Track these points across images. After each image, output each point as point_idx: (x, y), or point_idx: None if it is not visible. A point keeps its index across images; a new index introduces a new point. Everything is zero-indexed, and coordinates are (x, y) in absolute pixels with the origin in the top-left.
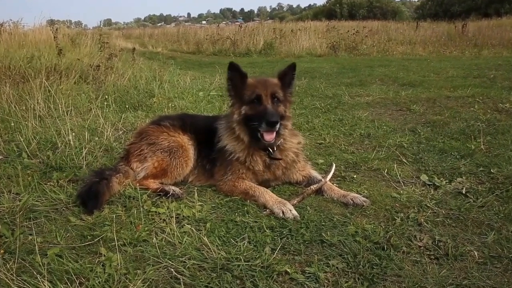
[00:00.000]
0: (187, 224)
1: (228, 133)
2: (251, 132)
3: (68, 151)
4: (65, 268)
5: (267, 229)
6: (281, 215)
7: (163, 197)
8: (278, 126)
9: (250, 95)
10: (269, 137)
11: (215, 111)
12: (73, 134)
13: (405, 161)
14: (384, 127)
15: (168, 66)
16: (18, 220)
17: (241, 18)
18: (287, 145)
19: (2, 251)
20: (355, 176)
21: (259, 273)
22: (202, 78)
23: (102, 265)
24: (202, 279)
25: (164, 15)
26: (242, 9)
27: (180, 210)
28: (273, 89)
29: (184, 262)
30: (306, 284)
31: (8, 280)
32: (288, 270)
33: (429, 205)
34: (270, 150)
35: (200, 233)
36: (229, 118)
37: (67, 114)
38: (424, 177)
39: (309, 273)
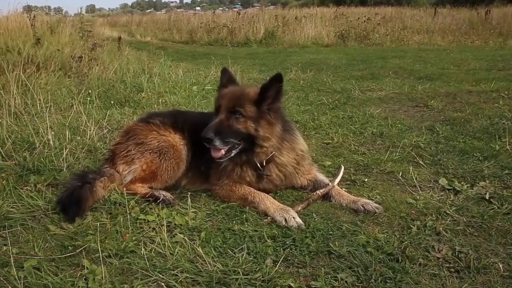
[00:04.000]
0: (180, 233)
1: None
2: None
3: (47, 152)
4: (43, 282)
5: (268, 238)
6: (283, 223)
7: (153, 203)
8: (215, 143)
9: (214, 106)
10: (213, 153)
11: (211, 108)
12: (53, 133)
13: (422, 163)
14: (399, 125)
15: (158, 57)
16: None
17: (239, 3)
18: (283, 158)
19: None
20: (366, 180)
21: None
22: (196, 71)
23: (85, 279)
24: None
25: (154, 0)
26: None
27: (172, 217)
28: (236, 102)
29: (176, 275)
30: None
31: None
32: (292, 284)
33: (448, 212)
34: (258, 165)
35: (194, 243)
36: None
37: (46, 110)
38: (443, 181)
39: (315, 287)
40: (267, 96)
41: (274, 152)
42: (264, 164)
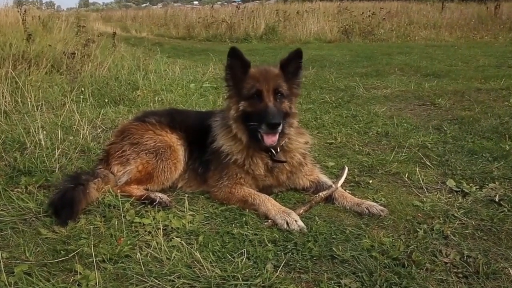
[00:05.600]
0: (176, 237)
1: (224, 132)
2: (250, 132)
3: (39, 152)
4: None
5: (269, 242)
6: (285, 226)
7: (149, 206)
8: (280, 128)
9: (249, 89)
10: (270, 140)
11: (209, 106)
12: (44, 132)
13: (428, 164)
14: (405, 125)
15: (155, 54)
16: None
17: None
18: (292, 145)
19: None
20: (370, 181)
21: None
22: (193, 68)
23: (78, 285)
24: None
25: None
26: None
27: (168, 220)
28: (276, 83)
29: (173, 281)
30: None
31: None
32: None
33: (456, 215)
34: (273, 151)
35: (192, 248)
36: (225, 114)
37: (37, 109)
38: (451, 183)
39: None
40: (289, 72)
41: (286, 139)
42: (278, 150)
